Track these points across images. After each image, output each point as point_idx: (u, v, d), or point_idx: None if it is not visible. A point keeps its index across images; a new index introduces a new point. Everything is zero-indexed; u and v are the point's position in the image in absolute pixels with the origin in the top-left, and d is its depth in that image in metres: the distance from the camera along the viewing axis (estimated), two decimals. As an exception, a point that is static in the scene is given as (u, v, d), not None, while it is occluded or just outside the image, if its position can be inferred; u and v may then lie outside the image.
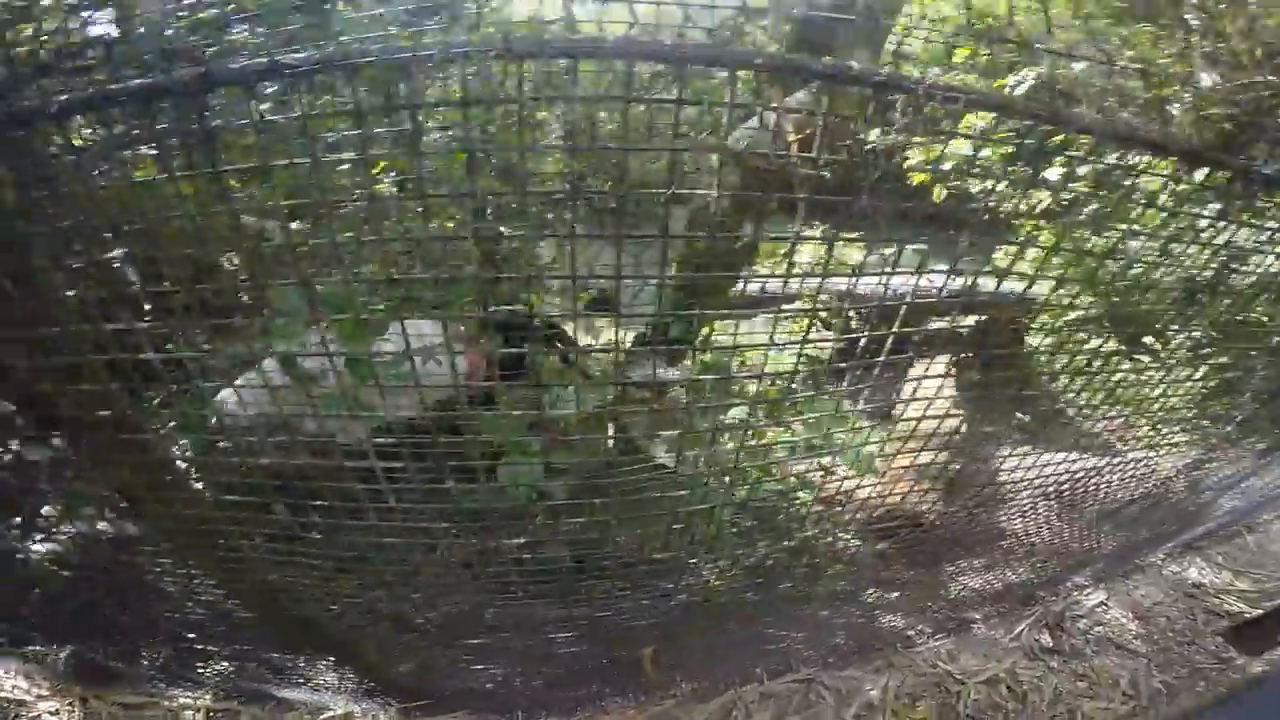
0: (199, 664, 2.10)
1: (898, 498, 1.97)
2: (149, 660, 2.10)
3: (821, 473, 2.28)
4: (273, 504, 1.34)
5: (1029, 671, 2.70)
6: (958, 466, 2.29)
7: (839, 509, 2.10)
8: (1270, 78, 2.16)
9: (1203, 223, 1.32)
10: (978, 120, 3.50)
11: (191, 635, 1.95)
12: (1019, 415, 2.93)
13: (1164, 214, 1.26)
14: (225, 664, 2.12)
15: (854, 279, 1.16)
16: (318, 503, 1.29)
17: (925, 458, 1.64)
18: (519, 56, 0.81)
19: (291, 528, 1.38)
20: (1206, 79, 2.39)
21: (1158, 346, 2.14)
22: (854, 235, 1.13)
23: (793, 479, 2.34)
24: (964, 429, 2.53)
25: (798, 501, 2.31)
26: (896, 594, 2.68)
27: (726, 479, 1.60)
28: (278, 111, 0.90)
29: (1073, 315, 2.48)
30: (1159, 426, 1.95)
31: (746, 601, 2.13)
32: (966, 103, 0.99)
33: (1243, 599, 3.04)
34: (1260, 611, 2.77)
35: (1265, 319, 1.57)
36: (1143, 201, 1.32)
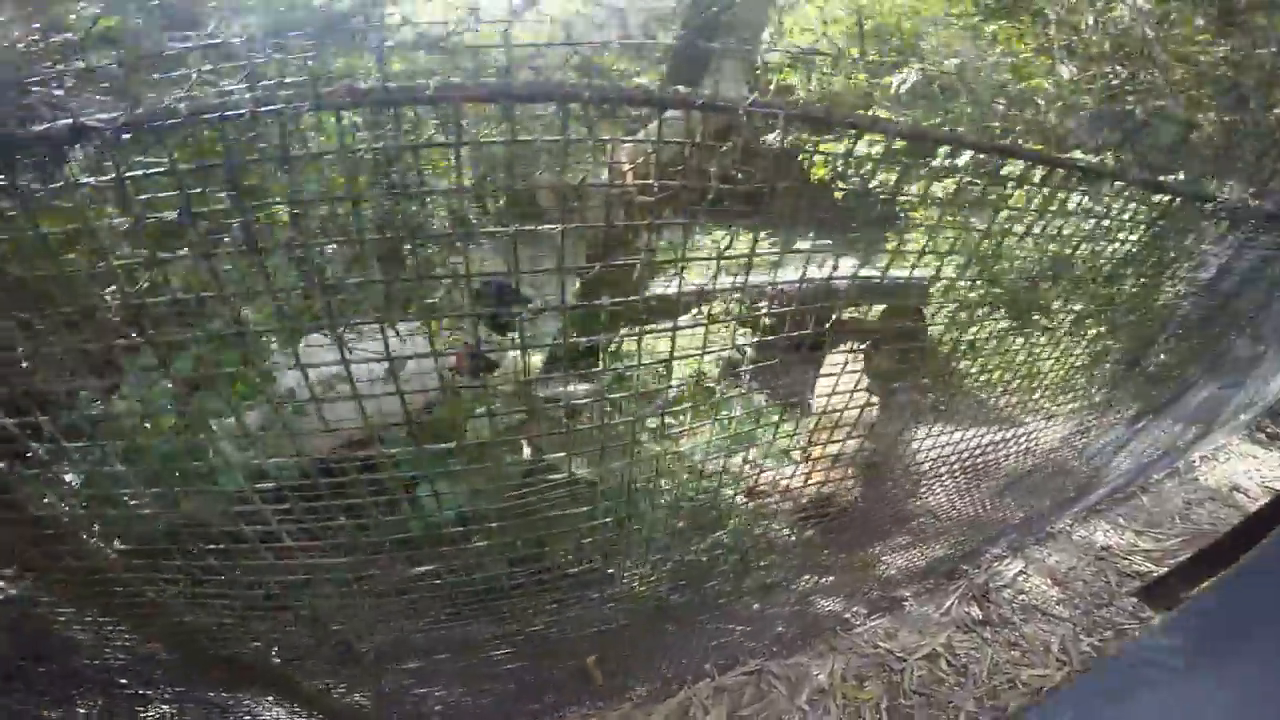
0: (139, 708, 2.03)
1: (821, 484, 2.03)
2: (85, 709, 2.03)
3: (745, 468, 2.33)
4: (170, 551, 1.32)
5: (965, 644, 2.80)
6: (875, 449, 2.38)
7: (765, 500, 2.16)
8: (1117, 68, 2.33)
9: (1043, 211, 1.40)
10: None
11: (123, 681, 1.90)
12: (928, 395, 3.05)
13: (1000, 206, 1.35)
14: (166, 707, 2.05)
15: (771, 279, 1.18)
16: (215, 547, 1.28)
17: (843, 443, 1.71)
18: (333, 109, 0.82)
19: (192, 572, 1.36)
20: (1065, 70, 2.55)
21: (1044, 322, 2.26)
22: (702, 255, 1.18)
23: (717, 478, 2.38)
24: (877, 413, 2.64)
25: (722, 499, 2.36)
26: (829, 579, 2.76)
27: (646, 487, 1.63)
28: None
29: (966, 297, 2.60)
30: (1049, 395, 2.06)
31: (680, 603, 2.17)
32: (786, 118, 1.05)
33: (1148, 558, 3.22)
34: (1165, 570, 2.94)
35: (1110, 299, 1.69)
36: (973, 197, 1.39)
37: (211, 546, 1.27)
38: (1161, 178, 1.49)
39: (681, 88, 1.03)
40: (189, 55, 0.84)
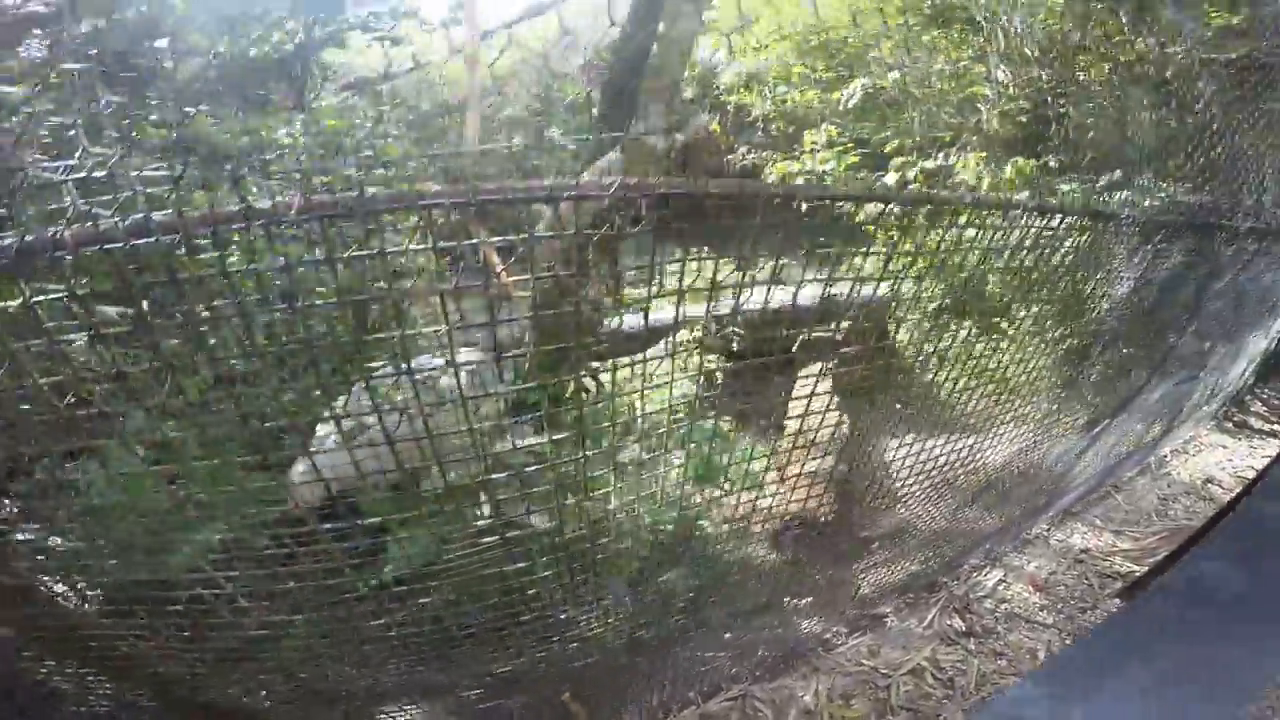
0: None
1: (796, 504, 2.03)
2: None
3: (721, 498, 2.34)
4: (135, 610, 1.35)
5: (949, 656, 2.77)
6: (848, 466, 2.38)
7: (743, 527, 2.17)
8: (1048, 70, 2.34)
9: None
10: (820, 136, 3.72)
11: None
12: (898, 407, 3.05)
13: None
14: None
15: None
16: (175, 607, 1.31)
17: (816, 461, 1.72)
18: (201, 234, 0.85)
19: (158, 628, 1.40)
20: (1001, 75, 2.57)
21: (1004, 325, 2.27)
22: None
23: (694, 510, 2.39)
24: (848, 429, 2.64)
25: (699, 532, 2.37)
26: (809, 600, 2.76)
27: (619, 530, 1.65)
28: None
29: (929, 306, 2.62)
30: (1010, 401, 2.06)
31: (659, 635, 2.18)
32: (650, 202, 1.07)
33: (1128, 558, 3.19)
34: (1146, 568, 2.92)
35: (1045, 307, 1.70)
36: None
37: (171, 608, 1.31)
38: (1060, 192, 1.50)
39: (548, 182, 1.04)
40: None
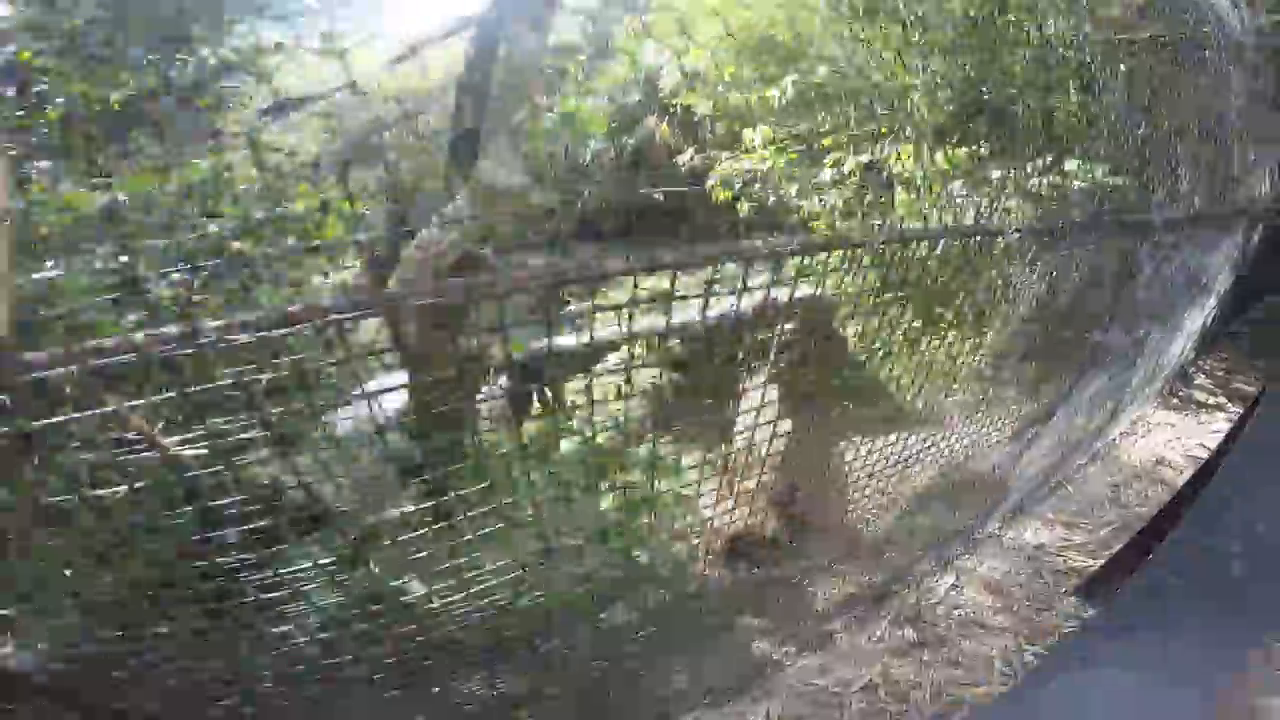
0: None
1: (744, 518, 1.94)
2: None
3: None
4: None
5: (902, 669, 2.66)
6: (795, 471, 2.30)
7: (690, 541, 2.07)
8: (971, 58, 2.26)
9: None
10: (755, 134, 3.62)
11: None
12: (846, 405, 2.96)
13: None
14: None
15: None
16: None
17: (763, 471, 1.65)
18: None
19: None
20: (930, 64, 2.49)
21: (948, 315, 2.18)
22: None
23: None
24: (793, 434, 2.54)
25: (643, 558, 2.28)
26: (756, 621, 2.66)
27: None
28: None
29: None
30: (949, 394, 1.98)
31: (602, 666, 2.09)
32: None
33: (1082, 551, 3.11)
34: (1102, 562, 2.83)
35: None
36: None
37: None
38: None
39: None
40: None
